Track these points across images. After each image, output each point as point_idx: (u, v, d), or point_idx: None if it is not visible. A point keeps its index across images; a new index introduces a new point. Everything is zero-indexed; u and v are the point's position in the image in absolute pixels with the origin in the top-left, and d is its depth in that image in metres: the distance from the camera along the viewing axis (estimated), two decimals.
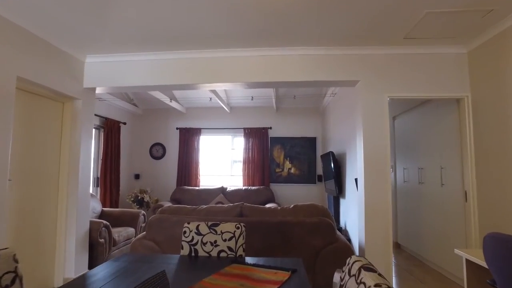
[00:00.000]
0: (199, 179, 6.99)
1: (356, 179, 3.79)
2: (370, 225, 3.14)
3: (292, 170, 6.81)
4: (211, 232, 1.86)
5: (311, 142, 6.81)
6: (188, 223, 1.90)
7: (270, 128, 6.92)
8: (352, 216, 4.18)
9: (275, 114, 6.95)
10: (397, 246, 5.11)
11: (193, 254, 1.83)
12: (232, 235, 1.83)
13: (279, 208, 3.11)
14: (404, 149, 4.91)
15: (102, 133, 5.82)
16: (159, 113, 7.19)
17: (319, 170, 6.67)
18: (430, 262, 4.11)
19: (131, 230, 4.64)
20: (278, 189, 6.80)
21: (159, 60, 3.51)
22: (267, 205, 5.84)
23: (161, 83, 3.51)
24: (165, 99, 5.84)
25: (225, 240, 1.82)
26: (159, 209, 3.23)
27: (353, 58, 3.29)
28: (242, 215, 3.08)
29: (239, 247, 1.80)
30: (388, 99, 3.24)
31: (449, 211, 3.64)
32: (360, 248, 3.27)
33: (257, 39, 3.13)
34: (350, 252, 2.85)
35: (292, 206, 3.11)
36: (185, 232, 1.87)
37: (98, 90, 3.75)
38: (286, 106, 6.90)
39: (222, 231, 1.85)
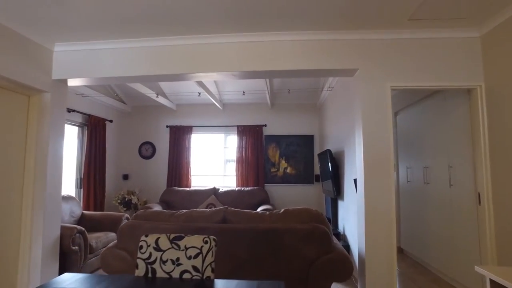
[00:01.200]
0: (191, 180, 6.64)
1: (355, 180, 3.44)
2: (371, 230, 2.78)
3: (288, 170, 6.45)
4: (173, 247, 1.50)
5: (308, 140, 6.45)
6: (146, 236, 1.54)
7: (265, 125, 6.57)
8: (351, 220, 3.83)
9: (270, 111, 6.59)
10: (399, 251, 4.76)
11: (149, 275, 1.48)
12: (198, 251, 1.48)
13: (267, 213, 2.75)
14: (407, 147, 4.55)
15: (86, 131, 5.47)
16: (148, 111, 6.83)
17: (317, 170, 6.31)
18: (437, 270, 3.76)
19: (112, 235, 4.28)
20: (274, 189, 6.44)
21: (137, 48, 3.16)
22: (261, 207, 5.48)
23: (139, 73, 3.15)
24: (151, 94, 5.48)
25: (189, 258, 1.47)
26: (134, 214, 2.89)
27: (350, 44, 2.94)
28: (226, 221, 2.73)
29: (206, 266, 1.45)
30: (390, 89, 2.88)
31: (459, 214, 3.28)
32: (360, 256, 2.91)
33: (242, 23, 2.77)
34: (348, 263, 2.50)
35: (282, 210, 2.76)
36: (141, 247, 1.52)
37: (72, 83, 3.39)
38: (282, 102, 6.55)
39: (187, 246, 1.50)
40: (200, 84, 4.80)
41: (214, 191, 6.21)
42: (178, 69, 3.12)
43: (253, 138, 6.50)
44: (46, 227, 3.12)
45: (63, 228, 3.45)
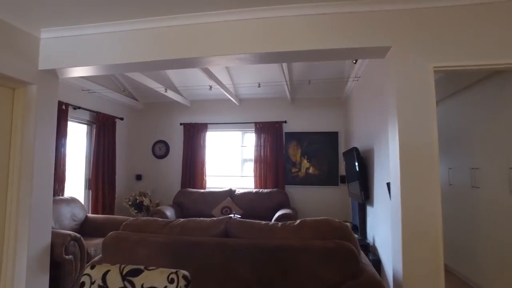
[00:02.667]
0: (206, 180, 6.24)
1: (388, 184, 2.86)
2: (411, 247, 2.21)
3: (311, 170, 5.89)
4: (125, 286, 1.05)
5: (332, 137, 5.86)
6: (92, 267, 1.09)
7: (285, 122, 6.04)
8: (383, 230, 3.24)
9: (290, 106, 6.06)
10: None
11: None
12: None
13: (279, 225, 2.25)
14: (449, 145, 3.88)
15: (94, 129, 5.19)
16: (161, 107, 6.50)
17: (342, 170, 5.70)
18: None
19: None
20: (294, 191, 5.91)
21: (132, 31, 2.73)
22: (280, 211, 4.99)
23: (135, 59, 2.72)
24: (159, 88, 5.11)
25: None
26: (123, 223, 2.48)
27: (382, 16, 2.36)
28: (228, 234, 2.25)
29: None
30: (433, 71, 2.29)
31: None
32: (396, 281, 2.35)
33: None
34: None
35: (297, 222, 2.24)
36: (83, 284, 1.08)
37: (64, 74, 3.03)
38: (303, 97, 5.99)
39: (144, 286, 1.04)
40: (211, 75, 4.37)
41: (230, 193, 5.78)
42: (179, 54, 2.67)
43: (272, 135, 6.00)
44: (32, 235, 2.78)
45: (55, 235, 3.11)
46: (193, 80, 5.46)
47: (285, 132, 6.03)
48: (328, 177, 5.81)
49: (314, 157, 5.90)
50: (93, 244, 3.61)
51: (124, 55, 2.74)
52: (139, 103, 6.37)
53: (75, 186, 4.99)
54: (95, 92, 5.04)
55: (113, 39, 2.77)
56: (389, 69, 2.42)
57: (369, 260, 3.37)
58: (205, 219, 2.38)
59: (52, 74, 2.99)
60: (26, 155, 2.80)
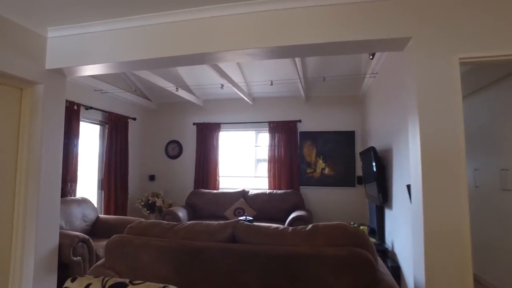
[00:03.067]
0: (219, 181, 6.15)
1: (408, 186, 2.66)
2: (434, 256, 2.03)
3: (326, 171, 5.70)
4: None
5: (348, 136, 5.64)
6: (73, 280, 0.98)
7: (299, 121, 5.87)
8: (403, 234, 3.04)
9: (305, 105, 5.88)
10: None
11: None
12: None
13: (289, 230, 2.10)
14: (475, 144, 3.62)
15: (107, 130, 5.18)
16: (174, 107, 6.45)
17: (359, 171, 5.48)
18: None
19: None
20: (310, 193, 5.73)
21: (141, 27, 2.63)
22: (294, 213, 4.83)
23: (142, 57, 2.63)
24: (171, 87, 5.04)
25: None
26: (128, 226, 2.39)
27: (400, 4, 2.18)
28: (235, 238, 2.12)
29: None
30: (459, 63, 2.09)
31: None
32: None
33: None
34: None
35: (309, 227, 2.09)
36: None
37: (71, 73, 2.99)
38: (317, 95, 5.80)
39: None
40: (222, 74, 4.26)
41: (243, 194, 5.67)
42: (186, 49, 2.55)
43: (286, 135, 5.84)
44: (40, 236, 2.74)
45: (63, 236, 3.08)
46: (205, 79, 5.37)
47: (299, 132, 5.87)
48: (345, 178, 5.60)
49: (329, 157, 5.70)
50: (103, 246, 3.55)
51: (131, 52, 2.66)
52: (152, 103, 6.35)
53: (88, 186, 4.99)
54: (108, 92, 5.03)
55: (120, 36, 2.69)
56: (409, 62, 2.23)
57: (388, 267, 3.17)
58: (212, 222, 2.26)
59: (60, 73, 2.95)
60: (34, 155, 2.76)
